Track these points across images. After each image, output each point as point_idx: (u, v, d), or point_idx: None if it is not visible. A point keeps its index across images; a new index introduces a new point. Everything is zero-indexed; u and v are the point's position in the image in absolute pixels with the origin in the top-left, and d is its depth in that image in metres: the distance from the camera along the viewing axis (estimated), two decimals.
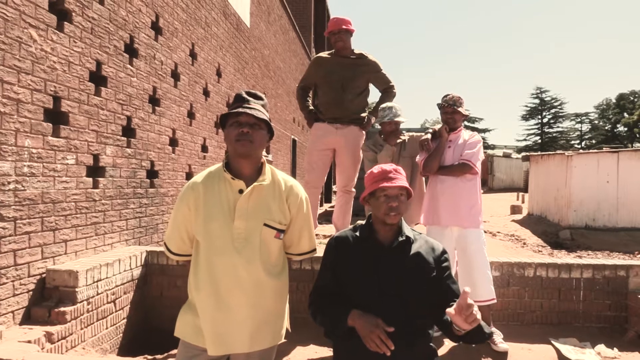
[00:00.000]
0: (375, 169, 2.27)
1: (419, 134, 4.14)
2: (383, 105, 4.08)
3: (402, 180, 2.21)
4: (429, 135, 3.81)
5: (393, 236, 2.22)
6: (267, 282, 2.00)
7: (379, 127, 4.17)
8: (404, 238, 2.19)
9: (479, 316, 1.80)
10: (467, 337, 1.97)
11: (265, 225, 1.99)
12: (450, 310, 1.84)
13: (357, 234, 2.26)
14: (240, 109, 1.93)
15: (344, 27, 4.28)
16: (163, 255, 4.24)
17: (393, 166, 2.27)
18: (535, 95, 63.27)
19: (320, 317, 2.19)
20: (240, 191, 1.98)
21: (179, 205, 2.04)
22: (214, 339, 1.94)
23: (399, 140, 4.05)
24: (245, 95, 2.00)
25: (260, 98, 2.03)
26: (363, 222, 2.35)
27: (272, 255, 2.04)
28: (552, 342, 3.69)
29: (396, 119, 3.97)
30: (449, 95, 3.75)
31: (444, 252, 2.25)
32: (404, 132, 4.28)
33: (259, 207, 2.00)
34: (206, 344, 1.95)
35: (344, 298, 2.16)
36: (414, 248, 2.20)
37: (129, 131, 4.52)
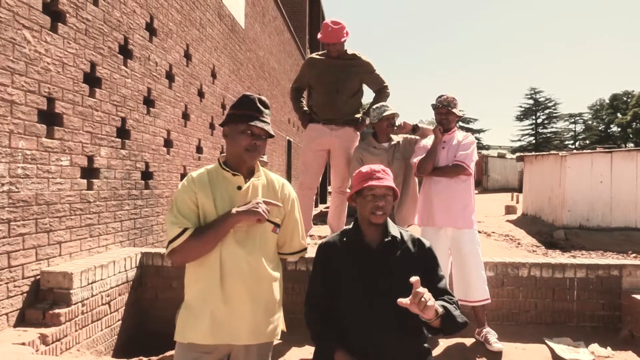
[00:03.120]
0: (364, 168, 2.30)
1: (412, 136, 4.15)
2: (374, 106, 4.08)
3: (389, 180, 2.23)
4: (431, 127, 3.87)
5: (380, 237, 2.24)
6: (266, 275, 2.06)
7: (373, 129, 4.17)
8: (389, 238, 2.21)
9: (430, 303, 1.85)
10: (442, 327, 2.01)
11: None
12: (404, 300, 1.86)
13: (345, 238, 2.28)
14: (258, 124, 1.99)
15: (342, 40, 4.24)
16: (158, 256, 4.24)
17: (382, 166, 2.29)
18: (529, 96, 63.59)
19: (311, 334, 2.26)
20: (239, 188, 2.04)
21: (182, 194, 2.00)
22: (213, 329, 1.96)
23: (393, 142, 4.06)
24: (259, 105, 2.04)
25: (268, 107, 2.09)
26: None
27: (270, 249, 2.11)
28: (546, 341, 3.70)
29: (391, 112, 3.97)
30: (443, 96, 3.77)
31: (430, 248, 2.27)
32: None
33: None
34: (204, 333, 1.96)
35: (335, 313, 2.20)
36: (401, 247, 2.22)
37: (123, 132, 4.52)
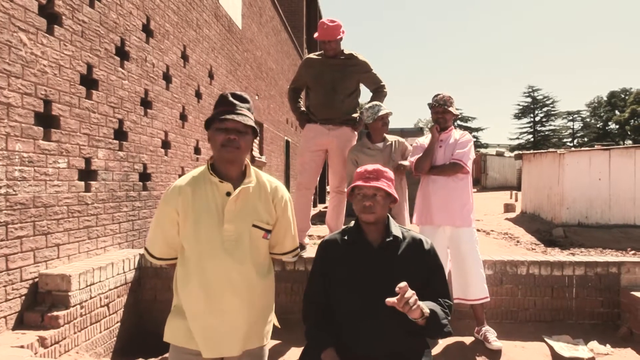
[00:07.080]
0: (361, 167, 2.30)
1: (403, 139, 4.16)
2: (367, 106, 4.06)
3: (381, 182, 2.20)
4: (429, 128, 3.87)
5: (381, 237, 2.24)
6: (257, 282, 2.02)
7: (366, 129, 4.16)
8: (391, 238, 2.21)
9: (414, 306, 1.92)
10: (426, 328, 2.06)
11: (254, 226, 2.01)
12: (391, 300, 1.91)
13: (346, 237, 2.28)
14: (227, 116, 1.91)
15: (338, 37, 4.24)
16: None
17: (377, 167, 2.27)
18: (527, 94, 63.59)
19: (305, 328, 2.27)
20: (228, 194, 1.97)
21: (164, 208, 2.00)
22: (207, 343, 1.94)
23: (387, 142, 4.05)
24: (231, 99, 1.96)
25: (246, 101, 2.00)
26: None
27: (261, 255, 2.06)
28: (546, 339, 3.71)
29: (386, 111, 3.96)
30: (439, 94, 3.78)
31: (431, 248, 2.27)
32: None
33: (246, 209, 2.00)
34: (199, 347, 1.94)
35: (332, 313, 2.20)
36: (403, 247, 2.22)
37: (121, 134, 4.51)
